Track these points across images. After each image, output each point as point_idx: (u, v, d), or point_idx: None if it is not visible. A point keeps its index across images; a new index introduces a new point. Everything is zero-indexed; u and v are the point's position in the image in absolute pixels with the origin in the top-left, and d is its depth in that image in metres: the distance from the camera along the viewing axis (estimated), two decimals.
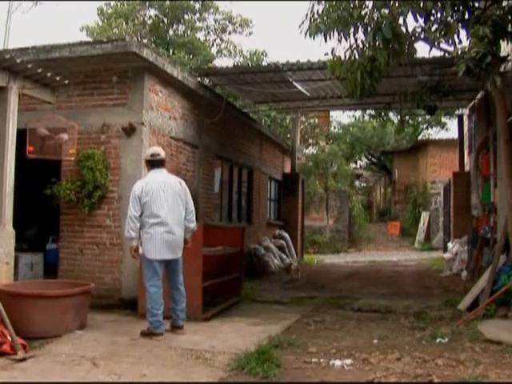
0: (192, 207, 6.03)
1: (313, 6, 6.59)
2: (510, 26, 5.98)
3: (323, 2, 6.59)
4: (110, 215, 7.35)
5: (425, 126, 31.69)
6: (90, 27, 20.74)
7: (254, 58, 19.42)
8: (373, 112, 26.04)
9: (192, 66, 16.33)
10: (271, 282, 11.01)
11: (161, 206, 5.69)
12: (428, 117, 25.83)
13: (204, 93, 9.36)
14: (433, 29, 6.29)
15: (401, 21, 6.30)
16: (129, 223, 5.64)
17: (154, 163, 5.91)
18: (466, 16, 6.19)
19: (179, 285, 5.88)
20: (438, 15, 6.23)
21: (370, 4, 6.43)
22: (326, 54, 6.80)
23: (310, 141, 23.41)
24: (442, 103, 9.77)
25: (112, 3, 21.00)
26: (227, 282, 7.77)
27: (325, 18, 6.48)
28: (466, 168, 13.78)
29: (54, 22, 50.53)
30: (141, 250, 5.75)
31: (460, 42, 6.24)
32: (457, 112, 14.97)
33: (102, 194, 7.27)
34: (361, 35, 6.48)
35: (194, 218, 6.05)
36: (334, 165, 22.76)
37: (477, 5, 6.20)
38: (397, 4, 6.26)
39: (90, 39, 18.04)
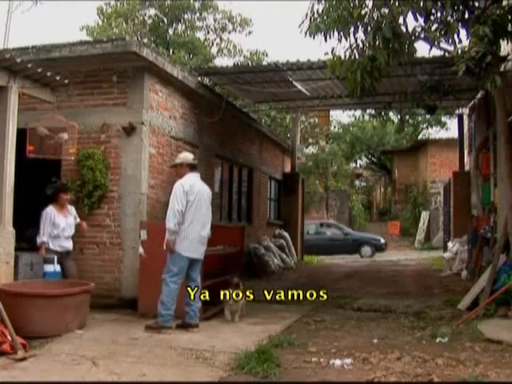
0: (211, 213, 6.31)
1: (313, 5, 6.60)
2: (510, 25, 5.98)
3: (323, 1, 6.59)
4: (110, 215, 7.35)
5: (425, 126, 31.71)
6: (90, 27, 20.75)
7: (254, 58, 19.41)
8: (373, 111, 26.00)
9: (192, 65, 16.30)
10: (271, 281, 11.01)
11: (200, 208, 5.99)
12: (428, 116, 25.83)
13: (204, 92, 9.36)
14: (433, 28, 6.30)
15: (401, 20, 6.31)
16: (175, 216, 5.78)
17: (193, 166, 6.19)
18: (466, 15, 6.20)
19: (199, 283, 6.10)
20: (438, 15, 6.24)
21: (370, 3, 6.44)
22: (326, 54, 6.80)
23: (310, 140, 23.43)
24: (441, 103, 9.77)
25: (112, 3, 21.01)
26: (227, 281, 7.76)
27: (325, 17, 6.48)
28: (466, 168, 13.79)
29: (54, 21, 50.56)
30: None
31: (460, 41, 6.26)
32: (457, 112, 14.98)
33: (101, 193, 7.28)
34: (361, 35, 6.49)
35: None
36: (334, 164, 22.80)
37: (477, 4, 6.21)
38: (397, 3, 6.26)
39: (89, 39, 18.02)
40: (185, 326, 5.90)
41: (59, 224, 6.72)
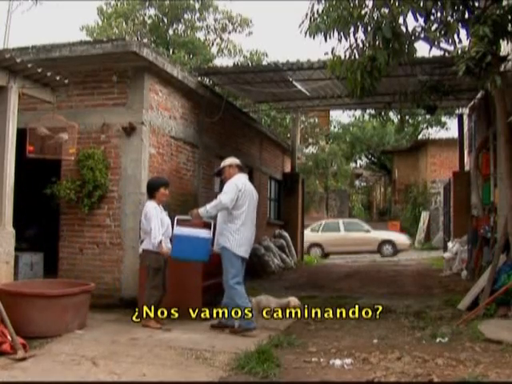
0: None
1: (313, 5, 6.60)
2: (510, 25, 5.99)
3: (323, 1, 6.60)
4: (110, 215, 7.35)
5: (425, 126, 31.67)
6: (90, 27, 20.76)
7: (254, 58, 19.42)
8: (373, 111, 26.05)
9: (192, 65, 16.32)
10: (271, 281, 11.01)
11: (249, 207, 6.07)
12: (428, 116, 25.81)
13: (204, 92, 9.36)
14: (433, 28, 6.30)
15: (401, 20, 6.32)
16: (221, 207, 5.88)
17: (241, 167, 6.29)
18: (466, 15, 6.20)
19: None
20: (438, 15, 6.24)
21: (370, 3, 6.44)
22: (326, 54, 6.81)
23: (310, 140, 23.46)
24: (441, 103, 9.77)
25: (112, 3, 21.01)
26: None
27: (325, 17, 6.48)
28: (466, 167, 13.79)
29: (54, 21, 50.58)
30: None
31: (460, 41, 6.26)
32: (457, 111, 14.98)
33: (101, 193, 7.28)
34: (361, 35, 6.50)
35: None
36: (334, 164, 22.81)
37: (477, 4, 6.21)
38: (397, 3, 6.26)
39: (89, 39, 18.03)
40: (221, 327, 5.89)
41: (164, 221, 6.05)
